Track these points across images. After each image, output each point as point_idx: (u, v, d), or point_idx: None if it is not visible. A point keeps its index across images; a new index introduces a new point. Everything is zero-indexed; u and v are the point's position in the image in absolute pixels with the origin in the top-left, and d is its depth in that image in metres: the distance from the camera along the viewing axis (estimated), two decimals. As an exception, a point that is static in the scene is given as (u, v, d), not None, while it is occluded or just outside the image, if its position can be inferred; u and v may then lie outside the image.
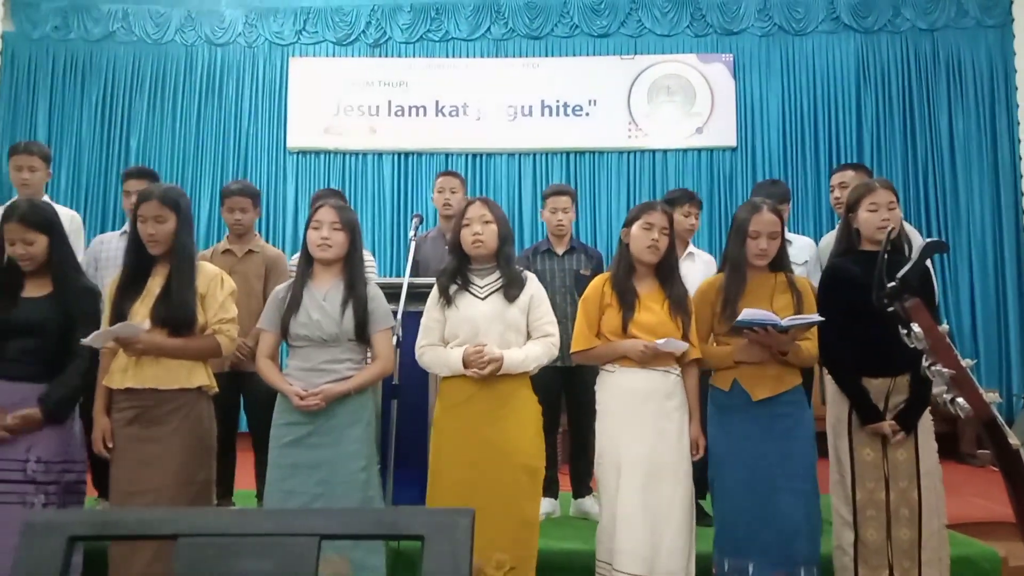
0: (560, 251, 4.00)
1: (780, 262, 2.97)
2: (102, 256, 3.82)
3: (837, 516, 2.88)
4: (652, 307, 2.87)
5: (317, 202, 3.28)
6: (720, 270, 3.06)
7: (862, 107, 7.16)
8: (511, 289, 2.81)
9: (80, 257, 3.84)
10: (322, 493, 2.68)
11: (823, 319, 2.79)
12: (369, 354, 2.90)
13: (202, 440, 2.82)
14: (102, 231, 6.97)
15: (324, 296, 2.80)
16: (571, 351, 2.96)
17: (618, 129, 7.30)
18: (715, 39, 7.37)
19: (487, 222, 2.84)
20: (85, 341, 2.68)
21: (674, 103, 7.30)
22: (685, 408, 2.87)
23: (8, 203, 3.16)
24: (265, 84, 7.44)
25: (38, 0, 7.48)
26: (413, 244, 3.74)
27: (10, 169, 3.96)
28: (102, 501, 3.72)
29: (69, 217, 3.90)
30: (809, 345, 2.88)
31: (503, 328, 2.78)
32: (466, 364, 2.72)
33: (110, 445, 2.76)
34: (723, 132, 7.23)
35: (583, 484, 3.92)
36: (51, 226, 2.89)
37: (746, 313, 2.74)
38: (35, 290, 2.89)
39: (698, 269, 3.87)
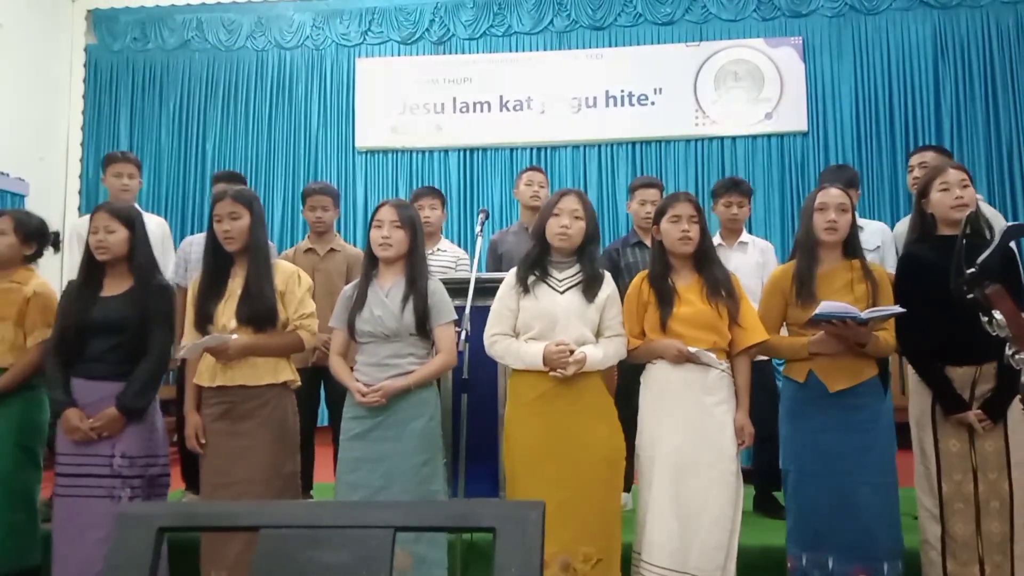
0: (650, 243, 3.96)
1: (854, 247, 2.89)
2: (192, 257, 3.95)
3: (923, 509, 2.79)
4: (691, 299, 2.81)
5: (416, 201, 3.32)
6: (791, 257, 2.99)
7: (940, 87, 6.89)
8: (591, 286, 2.78)
9: (171, 260, 4.01)
10: (384, 486, 2.72)
11: (903, 310, 2.70)
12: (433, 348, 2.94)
13: (287, 434, 2.91)
14: (181, 234, 7.26)
15: (386, 293, 2.85)
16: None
17: (685, 117, 7.20)
18: (783, 22, 7.19)
19: (577, 217, 2.80)
20: (179, 355, 2.80)
21: (742, 89, 7.15)
22: (730, 404, 2.78)
23: None
24: (333, 85, 7.58)
25: (117, 13, 7.78)
26: (480, 239, 3.76)
27: (108, 176, 4.13)
28: (188, 493, 3.87)
29: (157, 224, 4.07)
30: (887, 335, 2.80)
31: (581, 325, 2.76)
32: (546, 362, 2.69)
33: (203, 441, 2.86)
34: (793, 117, 7.06)
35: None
36: (133, 223, 3.01)
37: (824, 306, 2.66)
38: (113, 289, 3.00)
39: (752, 258, 3.79)
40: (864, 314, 2.64)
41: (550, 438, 2.71)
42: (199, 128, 7.63)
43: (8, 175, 6.78)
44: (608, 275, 2.89)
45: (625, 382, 2.96)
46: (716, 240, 3.93)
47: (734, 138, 7.15)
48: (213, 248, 2.94)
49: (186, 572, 2.81)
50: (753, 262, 3.71)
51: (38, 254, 3.37)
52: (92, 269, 3.01)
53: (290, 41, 7.64)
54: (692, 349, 2.71)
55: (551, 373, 2.69)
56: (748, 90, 7.14)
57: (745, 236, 4.01)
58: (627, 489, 3.86)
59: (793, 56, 7.10)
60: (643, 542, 2.68)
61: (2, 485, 3.05)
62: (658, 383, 2.80)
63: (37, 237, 3.34)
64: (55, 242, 3.47)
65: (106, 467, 2.88)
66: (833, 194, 2.86)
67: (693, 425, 2.72)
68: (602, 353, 2.75)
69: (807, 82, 7.07)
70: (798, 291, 2.83)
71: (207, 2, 7.73)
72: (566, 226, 2.79)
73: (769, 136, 7.11)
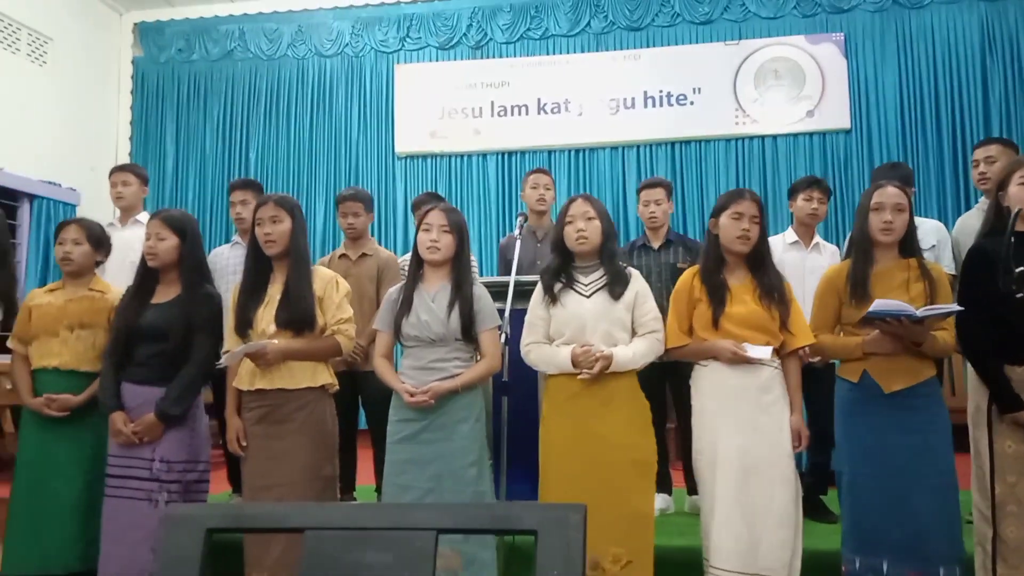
0: (656, 245, 3.94)
1: (911, 246, 2.82)
2: (217, 268, 4.04)
3: (977, 512, 2.71)
4: (744, 299, 2.78)
5: (422, 206, 3.36)
6: (846, 256, 2.93)
7: (988, 81, 6.72)
8: (616, 286, 2.80)
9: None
10: (434, 488, 2.75)
11: (961, 308, 2.62)
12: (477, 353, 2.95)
13: (326, 437, 2.94)
14: (225, 240, 7.40)
15: (433, 297, 2.87)
16: (665, 348, 2.92)
17: (724, 116, 7.13)
18: (824, 18, 7.09)
19: (590, 218, 2.83)
20: (221, 363, 2.85)
21: (782, 87, 7.06)
22: (785, 401, 2.76)
23: None
24: (372, 92, 7.66)
25: (163, 25, 7.96)
26: (517, 243, 3.77)
27: (109, 188, 4.33)
28: (236, 496, 3.93)
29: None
30: (946, 335, 2.72)
31: (609, 326, 2.77)
32: (574, 363, 2.72)
33: (244, 443, 2.91)
34: (836, 114, 6.95)
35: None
36: (184, 231, 3.08)
37: (878, 304, 2.60)
38: (163, 296, 3.07)
39: (825, 261, 3.73)
40: (920, 312, 2.58)
41: (581, 438, 2.72)
42: (242, 136, 7.77)
43: (60, 185, 6.98)
44: (636, 272, 2.90)
45: (648, 378, 2.93)
46: (792, 238, 3.88)
47: (775, 137, 7.07)
48: (254, 254, 2.99)
49: (231, 574, 2.86)
50: (826, 265, 3.64)
51: (103, 260, 3.46)
52: (146, 276, 3.09)
53: (330, 49, 7.74)
54: (748, 351, 2.68)
55: (579, 376, 2.71)
56: (789, 88, 7.05)
57: (818, 239, 3.95)
58: (667, 491, 3.85)
59: (835, 53, 6.99)
60: (711, 548, 2.65)
61: (86, 486, 3.13)
62: (712, 385, 2.77)
63: (102, 243, 3.42)
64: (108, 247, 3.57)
65: (146, 470, 2.94)
66: (890, 193, 2.79)
67: (753, 425, 2.69)
68: (631, 352, 2.75)
69: (850, 79, 6.96)
70: (852, 291, 2.78)
71: (249, 12, 7.87)
72: (582, 230, 2.82)
73: (811, 134, 7.01)
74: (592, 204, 2.87)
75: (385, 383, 2.90)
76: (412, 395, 2.77)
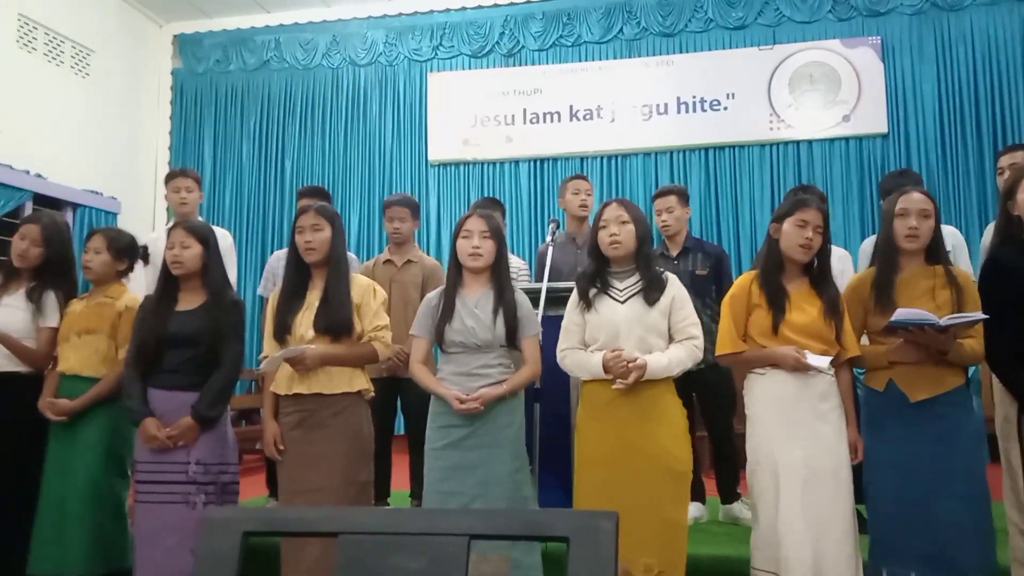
0: (674, 253, 3.90)
1: (937, 253, 2.77)
2: (279, 271, 4.08)
3: (1010, 524, 2.66)
4: (803, 307, 2.73)
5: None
6: (871, 263, 2.89)
7: (1030, 83, 6.59)
8: (651, 291, 2.76)
9: (232, 270, 4.15)
10: (481, 494, 2.74)
11: (986, 317, 2.58)
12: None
13: (362, 442, 2.96)
14: (262, 248, 7.52)
15: (476, 304, 2.88)
16: (717, 354, 2.88)
17: (759, 122, 7.08)
18: (860, 22, 7.01)
19: (624, 222, 2.80)
20: (261, 368, 2.89)
21: (818, 92, 7.00)
22: (842, 410, 2.72)
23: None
24: (406, 100, 7.73)
25: (201, 37, 8.11)
26: (550, 249, 3.78)
27: (169, 192, 4.32)
28: (272, 499, 3.98)
29: (222, 235, 4.21)
30: (974, 343, 2.67)
31: (644, 331, 2.74)
32: (606, 369, 2.70)
33: (281, 448, 2.94)
34: (872, 119, 6.86)
35: (730, 489, 3.82)
36: (207, 240, 3.14)
37: (900, 313, 2.56)
38: (187, 303, 3.12)
39: (831, 264, 3.68)
40: (943, 321, 2.54)
41: (615, 446, 2.69)
42: (278, 145, 7.88)
43: (102, 194, 7.14)
44: (673, 277, 2.86)
45: (679, 386, 2.90)
46: None
47: (810, 142, 7.00)
48: (295, 261, 3.03)
49: (267, 576, 2.90)
50: (837, 268, 3.60)
51: (129, 269, 3.53)
52: (168, 283, 3.14)
53: (364, 58, 7.82)
54: (810, 358, 2.64)
55: (614, 386, 2.68)
56: (824, 93, 6.98)
57: (838, 251, 3.90)
58: (701, 500, 3.81)
59: (871, 56, 6.91)
60: (778, 560, 2.59)
61: (93, 491, 3.20)
62: (771, 393, 2.72)
63: (128, 253, 3.50)
64: (144, 255, 3.64)
65: (182, 474, 2.98)
66: (915, 199, 2.74)
67: (814, 434, 2.65)
68: (667, 360, 2.71)
69: (887, 83, 6.87)
70: (877, 298, 2.74)
71: (284, 23, 7.98)
72: (616, 234, 2.79)
73: (847, 139, 6.93)
74: (626, 208, 2.84)
75: (426, 389, 2.91)
76: (462, 402, 2.77)
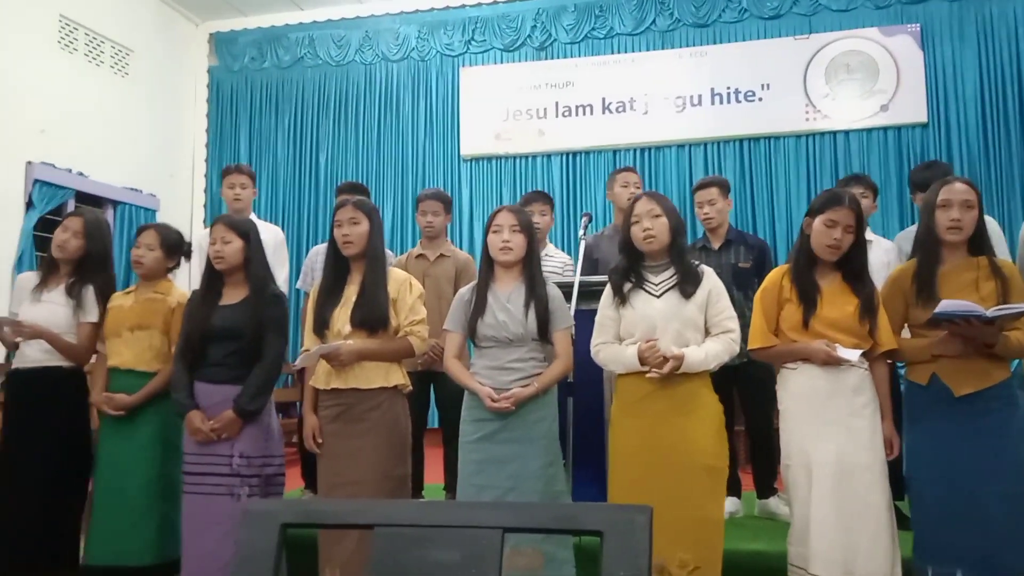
0: (716, 245, 3.87)
1: (980, 244, 2.71)
2: (318, 265, 4.12)
3: None
4: (835, 302, 2.70)
5: (527, 204, 3.36)
6: (912, 254, 2.84)
7: (1077, 69, 6.42)
8: (687, 285, 2.74)
9: (281, 270, 4.20)
10: (513, 487, 2.75)
11: None
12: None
13: (399, 436, 2.98)
14: (297, 244, 7.60)
15: (508, 298, 2.89)
16: (748, 348, 2.86)
17: (794, 112, 6.99)
18: (899, 9, 6.87)
19: (656, 216, 2.78)
20: (296, 364, 2.93)
21: (855, 81, 6.88)
22: (876, 404, 2.68)
23: None
24: (438, 95, 7.75)
25: (236, 35, 8.21)
26: (583, 243, 3.76)
27: (224, 188, 4.38)
28: (308, 492, 4.03)
29: (272, 233, 4.26)
30: (1020, 335, 2.61)
31: (680, 326, 2.71)
32: (642, 360, 2.67)
33: (319, 441, 2.98)
34: (912, 108, 6.73)
35: (767, 484, 3.79)
36: (247, 234, 3.18)
37: (945, 304, 2.51)
38: (231, 297, 3.17)
39: (877, 257, 3.61)
40: (990, 312, 2.48)
41: (651, 440, 2.68)
42: (312, 141, 7.95)
43: (142, 191, 7.27)
44: (709, 270, 2.83)
45: (715, 380, 2.87)
46: None
47: (847, 132, 6.89)
48: (334, 255, 3.06)
49: (305, 569, 2.93)
50: (878, 262, 3.52)
51: (177, 265, 3.60)
52: (212, 278, 3.20)
53: (396, 53, 7.86)
54: (841, 353, 2.61)
55: (647, 375, 2.66)
56: (862, 82, 6.87)
57: (869, 234, 3.84)
58: (737, 495, 3.79)
59: (910, 44, 6.78)
60: (807, 555, 2.58)
61: (156, 482, 3.27)
62: (804, 387, 2.70)
63: (177, 249, 3.56)
64: (187, 252, 3.70)
65: (226, 466, 3.03)
66: (958, 189, 2.69)
67: (847, 428, 2.62)
68: (704, 353, 2.68)
69: (926, 71, 6.74)
70: (919, 291, 2.69)
71: (318, 20, 8.05)
72: (649, 228, 2.76)
73: (885, 129, 6.80)
74: (658, 201, 2.82)
75: (460, 384, 2.92)
76: (494, 400, 2.78)
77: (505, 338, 2.85)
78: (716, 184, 3.95)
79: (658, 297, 2.76)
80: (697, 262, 2.88)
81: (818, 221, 2.73)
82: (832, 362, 2.63)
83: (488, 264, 2.97)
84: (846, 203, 2.70)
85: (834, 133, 6.92)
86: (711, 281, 2.79)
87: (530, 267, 2.92)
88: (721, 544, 2.69)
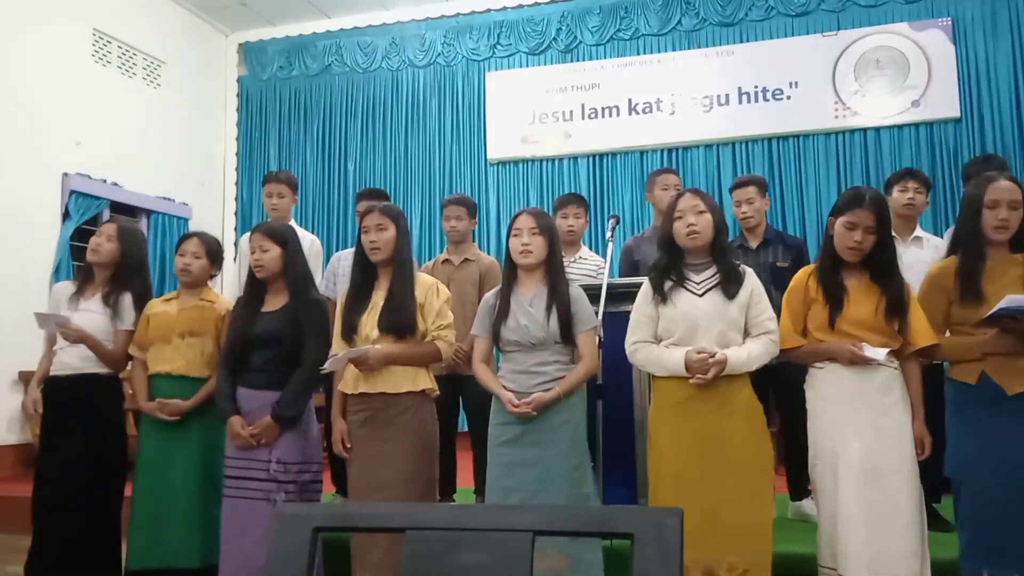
0: (754, 245, 3.84)
1: (1020, 240, 2.66)
2: (340, 271, 4.17)
3: None
4: (862, 300, 2.67)
5: (560, 208, 3.32)
6: (950, 252, 2.79)
7: (1114, 60, 6.27)
8: (730, 285, 2.70)
9: (319, 276, 4.24)
10: (539, 491, 2.75)
11: None
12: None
13: (427, 440, 3.00)
14: (327, 250, 7.65)
15: (530, 301, 2.89)
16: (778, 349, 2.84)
17: (823, 110, 6.92)
18: (929, 3, 6.78)
19: (701, 212, 2.74)
20: (324, 369, 2.95)
21: (885, 77, 6.79)
22: (906, 403, 2.64)
23: None
24: (464, 100, 7.78)
25: (265, 44, 8.31)
26: (611, 245, 3.75)
27: (264, 196, 4.43)
28: (339, 496, 4.06)
29: (310, 241, 4.31)
30: None
31: (724, 326, 2.68)
32: (689, 369, 2.63)
33: (348, 446, 3.00)
34: (944, 103, 6.63)
35: (801, 486, 3.75)
36: (285, 241, 3.22)
37: (1010, 299, 2.43)
38: (272, 304, 3.21)
39: (927, 255, 3.56)
40: None
41: (695, 443, 2.64)
42: (340, 148, 8.02)
43: (174, 200, 7.38)
44: (750, 270, 2.80)
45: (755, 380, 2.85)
46: None
47: (878, 129, 6.80)
48: (361, 261, 3.09)
49: (338, 572, 2.96)
50: (929, 259, 3.45)
51: (218, 271, 3.67)
52: (254, 285, 3.24)
53: (422, 59, 7.90)
54: (866, 351, 2.58)
55: (691, 380, 2.63)
56: (892, 78, 6.78)
57: (919, 231, 3.79)
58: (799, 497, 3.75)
59: (941, 39, 6.68)
60: (836, 555, 2.56)
61: (203, 485, 3.32)
62: (831, 387, 2.67)
63: (219, 256, 3.63)
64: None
65: (264, 471, 3.07)
66: (1004, 188, 2.62)
67: (874, 428, 2.59)
68: (746, 354, 2.66)
69: (958, 65, 6.63)
70: (963, 289, 2.63)
71: (345, 27, 8.12)
72: (693, 224, 2.72)
73: (917, 125, 6.71)
74: (702, 198, 2.77)
75: (486, 388, 2.93)
76: (516, 405, 2.79)
77: (528, 342, 2.85)
78: (754, 183, 3.93)
79: (700, 296, 2.72)
80: (738, 262, 2.84)
81: (839, 223, 2.70)
82: (858, 361, 2.60)
83: (511, 268, 2.97)
84: (866, 204, 2.66)
85: (864, 130, 6.83)
86: (752, 281, 2.75)
87: (552, 270, 2.92)
88: (770, 546, 2.65)
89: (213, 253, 3.53)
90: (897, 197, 3.74)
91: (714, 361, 2.60)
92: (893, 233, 3.63)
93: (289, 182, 4.48)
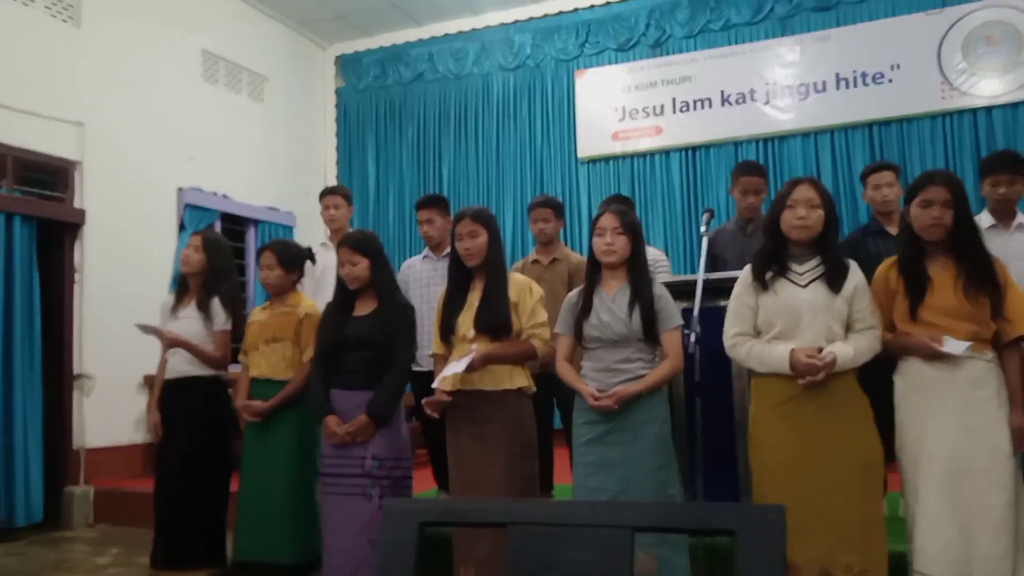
0: (894, 231, 3.71)
1: None
2: (411, 278, 4.30)
3: None
4: (947, 287, 2.58)
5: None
6: None
7: None
8: (836, 277, 2.64)
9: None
10: (623, 490, 2.76)
11: None
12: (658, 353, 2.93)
13: (525, 436, 3.06)
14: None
15: (612, 299, 2.90)
16: None
17: (928, 92, 6.60)
18: (1045, -27, 6.38)
19: (814, 206, 2.68)
20: (437, 384, 3.02)
21: (997, 54, 6.42)
22: (1002, 398, 2.53)
23: None
24: (554, 100, 7.79)
25: (360, 56, 8.55)
26: (705, 239, 3.71)
27: (322, 209, 4.67)
28: (442, 492, 4.17)
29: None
30: None
31: (829, 319, 2.62)
32: (794, 369, 2.58)
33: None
34: (1063, 78, 6.23)
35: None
36: (372, 251, 3.34)
37: None
38: (363, 309, 3.36)
39: None
40: None
41: (802, 442, 2.59)
42: (435, 154, 8.18)
43: (280, 210, 7.70)
44: (854, 264, 2.72)
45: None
46: (989, 221, 3.59)
47: (989, 109, 6.45)
48: (457, 265, 3.17)
49: (440, 566, 3.04)
50: None
51: (301, 275, 3.86)
52: (345, 293, 3.38)
53: (512, 62, 7.97)
54: (944, 345, 2.49)
55: (800, 382, 2.58)
56: (1006, 54, 6.40)
57: (1021, 217, 3.61)
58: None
59: (1059, 10, 6.27)
60: (915, 550, 2.50)
61: (293, 483, 3.51)
62: (918, 379, 2.60)
63: (298, 263, 3.81)
64: (311, 256, 3.96)
65: (359, 468, 3.21)
66: None
67: (964, 424, 2.50)
68: (853, 351, 2.59)
69: (1079, 37, 6.22)
70: None
71: (436, 35, 8.27)
72: (804, 217, 2.66)
73: (1034, 102, 6.33)
74: (818, 191, 2.70)
75: (569, 385, 2.96)
76: (597, 399, 2.80)
77: (610, 339, 2.85)
78: (891, 168, 3.85)
79: (803, 287, 2.66)
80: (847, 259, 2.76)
81: (914, 205, 2.64)
82: (935, 356, 2.50)
83: (594, 267, 2.99)
84: (937, 180, 2.62)
85: (974, 111, 6.49)
86: (858, 275, 2.69)
87: (636, 268, 2.93)
88: (885, 544, 2.58)
89: (287, 261, 3.72)
90: (990, 191, 3.59)
91: (825, 364, 2.54)
92: (995, 222, 3.47)
93: (344, 194, 4.70)
